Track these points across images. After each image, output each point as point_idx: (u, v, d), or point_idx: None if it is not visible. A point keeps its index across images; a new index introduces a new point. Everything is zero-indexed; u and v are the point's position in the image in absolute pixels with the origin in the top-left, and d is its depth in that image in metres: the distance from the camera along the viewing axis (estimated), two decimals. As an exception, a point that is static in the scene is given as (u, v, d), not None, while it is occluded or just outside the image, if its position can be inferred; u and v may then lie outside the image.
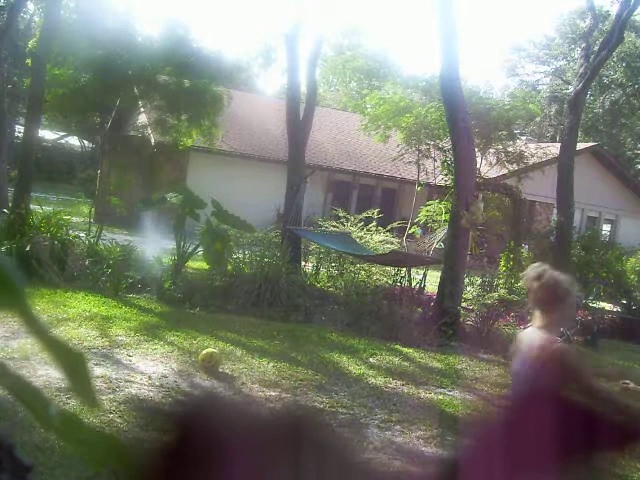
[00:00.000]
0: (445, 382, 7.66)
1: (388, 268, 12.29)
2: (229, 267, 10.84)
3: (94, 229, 13.35)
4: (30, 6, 28.50)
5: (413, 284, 12.60)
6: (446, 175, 15.21)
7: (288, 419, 0.81)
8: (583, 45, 16.38)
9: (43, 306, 8.30)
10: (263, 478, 0.76)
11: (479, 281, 12.51)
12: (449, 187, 14.02)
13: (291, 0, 14.27)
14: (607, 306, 13.66)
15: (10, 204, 12.47)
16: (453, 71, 10.66)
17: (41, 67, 12.26)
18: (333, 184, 24.07)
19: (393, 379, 7.44)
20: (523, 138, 22.20)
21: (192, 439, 0.76)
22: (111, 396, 5.57)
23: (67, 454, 4.11)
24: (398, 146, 17.02)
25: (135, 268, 10.57)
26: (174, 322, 8.59)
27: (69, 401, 5.15)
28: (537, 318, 3.30)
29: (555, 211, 15.46)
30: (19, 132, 24.31)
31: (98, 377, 6.04)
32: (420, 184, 17.01)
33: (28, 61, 13.56)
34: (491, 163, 16.57)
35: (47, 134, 33.71)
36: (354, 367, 7.72)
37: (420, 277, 13.05)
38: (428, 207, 14.99)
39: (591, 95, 33.54)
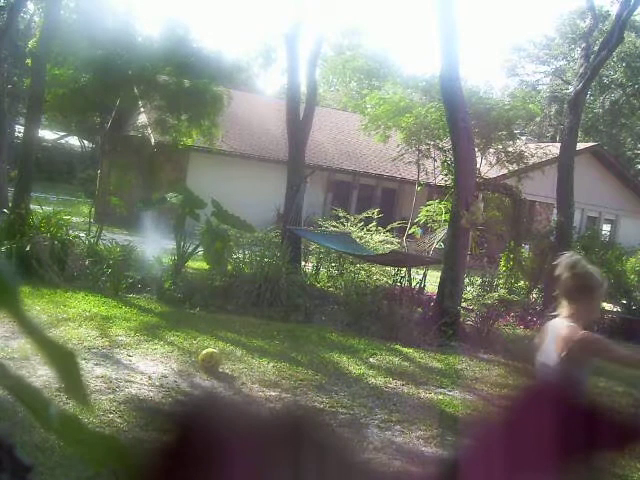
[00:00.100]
0: (445, 382, 7.66)
1: (388, 268, 12.29)
2: (229, 267, 10.84)
3: (94, 229, 13.35)
4: (30, 6, 28.53)
5: (413, 284, 12.60)
6: (446, 175, 15.21)
7: (288, 419, 0.81)
8: (583, 45, 16.37)
9: (43, 306, 8.30)
10: (263, 478, 0.76)
11: (479, 281, 12.51)
12: (449, 187, 14.02)
13: (291, 0, 14.27)
14: (607, 306, 13.65)
15: (10, 204, 12.47)
16: (453, 71, 10.65)
17: (41, 67, 12.26)
18: (333, 184, 24.08)
19: (393, 379, 7.44)
20: (523, 138, 22.18)
21: (192, 439, 0.76)
22: (111, 396, 5.57)
23: (67, 454, 4.11)
24: (398, 146, 17.01)
25: (135, 268, 10.57)
26: (174, 322, 8.59)
27: (69, 401, 5.15)
28: (564, 308, 3.33)
29: (555, 211, 15.45)
30: (19, 132, 24.31)
31: (98, 377, 6.04)
32: (420, 184, 17.00)
33: (28, 61, 13.57)
34: (491, 163, 16.57)
35: (47, 134, 33.72)
36: (354, 367, 7.72)
37: (420, 277, 13.05)
38: (428, 207, 14.98)
39: (591, 95, 33.54)
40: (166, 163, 18.64)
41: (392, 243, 13.16)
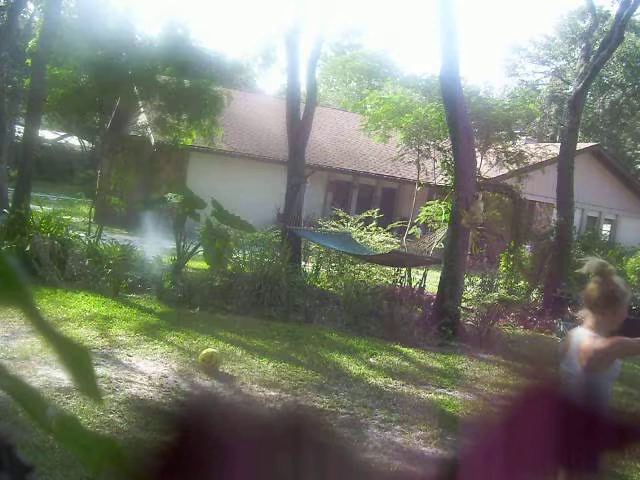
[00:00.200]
0: (445, 382, 7.66)
1: (388, 268, 12.29)
2: (229, 267, 10.84)
3: (94, 229, 13.36)
4: (30, 6, 28.52)
5: (413, 284, 12.60)
6: (446, 175, 15.21)
7: (288, 419, 0.81)
8: (583, 45, 16.37)
9: (43, 306, 8.30)
10: (263, 478, 0.76)
11: (479, 281, 12.51)
12: (449, 187, 14.02)
13: (291, 0, 14.27)
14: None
15: (10, 204, 12.47)
16: (453, 71, 10.65)
17: (41, 67, 12.27)
18: (333, 184, 24.08)
19: (393, 379, 7.44)
20: (523, 138, 22.17)
21: (192, 439, 0.76)
22: (111, 396, 5.57)
23: (67, 454, 4.11)
24: (398, 146, 17.01)
25: (135, 268, 10.57)
26: (174, 322, 8.58)
27: (69, 401, 5.16)
28: (588, 318, 3.31)
29: (555, 211, 15.45)
30: (19, 132, 24.29)
31: (98, 377, 6.04)
32: (420, 184, 17.01)
33: (28, 61, 13.56)
34: (491, 163, 16.57)
35: (47, 134, 33.72)
36: (354, 367, 7.72)
37: (420, 277, 13.05)
38: (428, 207, 14.98)
39: (591, 95, 33.54)
40: (166, 163, 18.66)
41: (392, 243, 13.15)
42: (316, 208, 21.07)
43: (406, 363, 8.32)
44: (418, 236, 15.36)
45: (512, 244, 15.59)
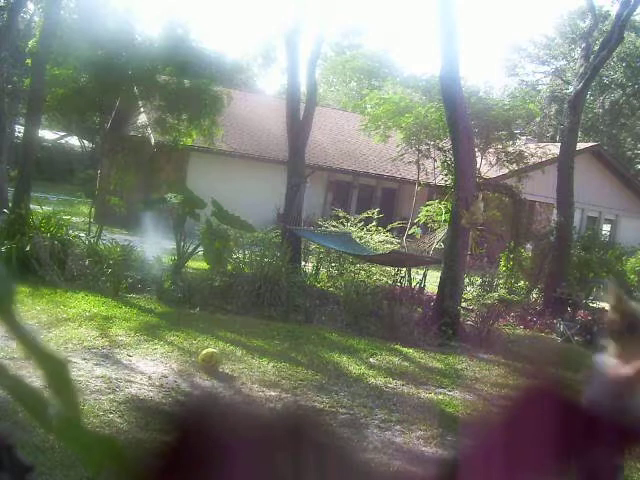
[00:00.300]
0: (445, 382, 7.66)
1: (388, 268, 12.29)
2: (229, 267, 10.84)
3: (94, 229, 13.35)
4: (30, 6, 28.52)
5: (413, 284, 12.60)
6: (446, 175, 15.21)
7: (288, 419, 0.81)
8: (583, 45, 16.37)
9: (43, 306, 8.30)
10: (263, 478, 0.76)
11: (479, 281, 12.52)
12: (449, 187, 14.02)
13: (291, 0, 14.27)
14: (607, 306, 13.64)
15: (10, 204, 12.47)
16: (453, 71, 10.65)
17: (41, 67, 12.26)
18: (333, 184, 24.08)
19: (393, 379, 7.44)
20: (523, 138, 22.17)
21: (192, 439, 0.76)
22: (111, 396, 5.57)
23: (67, 454, 4.11)
24: (398, 146, 17.01)
25: (135, 268, 10.57)
26: (174, 322, 8.58)
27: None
28: (611, 346, 3.36)
29: (555, 211, 15.44)
30: (19, 132, 24.28)
31: (98, 377, 6.04)
32: (420, 184, 17.00)
33: (28, 61, 13.57)
34: (491, 163, 16.57)
35: (47, 134, 33.70)
36: (354, 367, 7.72)
37: (420, 277, 13.05)
38: (428, 207, 14.98)
39: (591, 95, 33.53)
40: (166, 163, 18.67)
41: (392, 243, 13.16)
42: (316, 208, 21.06)
43: (406, 363, 8.32)
44: (418, 236, 15.36)
45: (512, 244, 15.60)
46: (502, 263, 14.55)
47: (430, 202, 15.34)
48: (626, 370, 3.26)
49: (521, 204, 18.88)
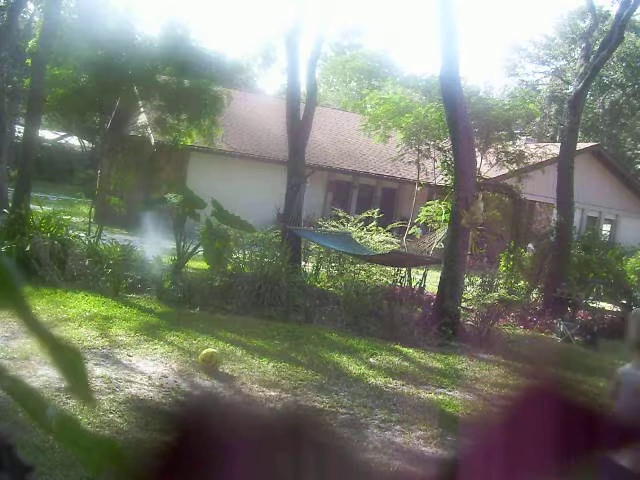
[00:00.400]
0: (445, 382, 7.66)
1: (388, 268, 12.29)
2: (229, 267, 10.84)
3: (94, 229, 13.36)
4: (30, 6, 28.52)
5: (413, 284, 12.61)
6: (446, 175, 15.21)
7: (288, 419, 0.81)
8: (583, 45, 16.37)
9: (43, 306, 8.30)
10: (263, 478, 0.76)
11: (479, 281, 12.53)
12: (449, 187, 14.02)
13: (291, 0, 14.27)
14: (607, 306, 13.66)
15: (10, 204, 12.47)
16: (453, 71, 10.66)
17: (41, 67, 12.27)
18: (333, 184, 24.08)
19: (393, 379, 7.44)
20: (523, 138, 22.17)
21: (192, 439, 0.76)
22: (111, 396, 5.57)
23: (67, 454, 4.11)
24: (398, 146, 17.01)
25: (135, 268, 10.57)
26: (174, 322, 8.58)
27: (68, 401, 5.15)
28: (636, 358, 3.50)
29: (555, 211, 15.45)
30: (19, 132, 24.28)
31: (98, 377, 6.04)
32: (420, 184, 17.00)
33: (28, 61, 13.57)
34: (491, 163, 16.57)
35: (47, 134, 33.70)
36: (354, 367, 7.72)
37: (420, 277, 13.05)
38: (428, 207, 14.98)
39: (591, 95, 33.53)
40: (166, 163, 18.66)
41: (392, 243, 13.16)
42: (316, 208, 21.06)
43: (406, 363, 8.32)
44: (418, 236, 15.37)
45: (512, 244, 15.60)
46: (502, 263, 14.56)
47: (430, 202, 15.35)
48: None
49: (521, 204, 18.89)
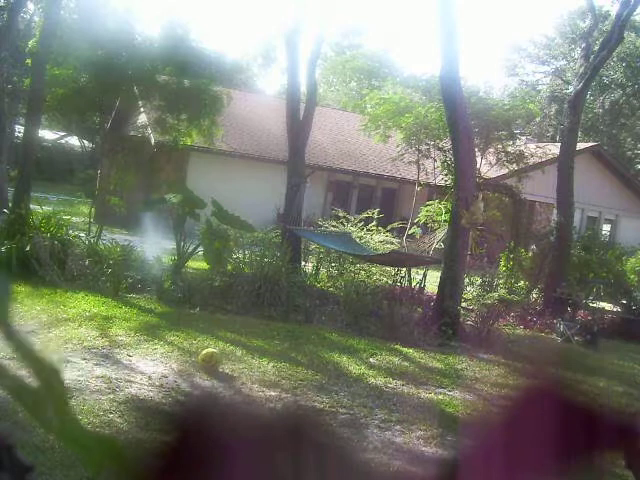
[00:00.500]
0: (445, 382, 7.66)
1: (388, 268, 12.29)
2: (229, 267, 10.84)
3: (94, 229, 13.36)
4: (30, 6, 28.52)
5: (413, 284, 12.61)
6: (446, 175, 15.21)
7: (288, 419, 0.81)
8: (583, 45, 16.37)
9: (43, 306, 8.30)
10: (263, 479, 0.76)
11: (479, 281, 12.52)
12: (449, 187, 14.02)
13: (291, 0, 14.27)
14: (607, 306, 13.66)
15: (10, 204, 12.47)
16: (453, 71, 10.65)
17: (41, 67, 12.26)
18: (333, 184, 24.08)
19: (393, 379, 7.44)
20: (523, 138, 22.17)
21: (192, 439, 0.76)
22: (111, 396, 5.57)
23: (67, 454, 4.11)
24: (398, 146, 17.01)
25: (135, 268, 10.57)
26: (174, 322, 8.58)
27: (68, 401, 5.15)
28: None
29: (555, 211, 15.45)
30: (19, 132, 24.28)
31: (98, 377, 6.04)
32: (420, 184, 17.00)
33: (28, 61, 13.57)
34: (491, 163, 16.57)
35: (47, 134, 33.71)
36: (354, 367, 7.72)
37: (420, 277, 13.05)
38: (428, 207, 14.98)
39: (591, 95, 33.53)
40: (166, 163, 18.66)
41: (392, 243, 13.16)
42: (316, 208, 21.06)
43: (406, 363, 8.32)
44: (418, 236, 15.36)
45: (512, 244, 15.60)
46: (502, 263, 14.55)
47: (430, 202, 15.34)
48: None
49: (521, 204, 18.90)
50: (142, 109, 16.98)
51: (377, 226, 13.50)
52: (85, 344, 7.04)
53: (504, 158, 16.43)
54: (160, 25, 16.67)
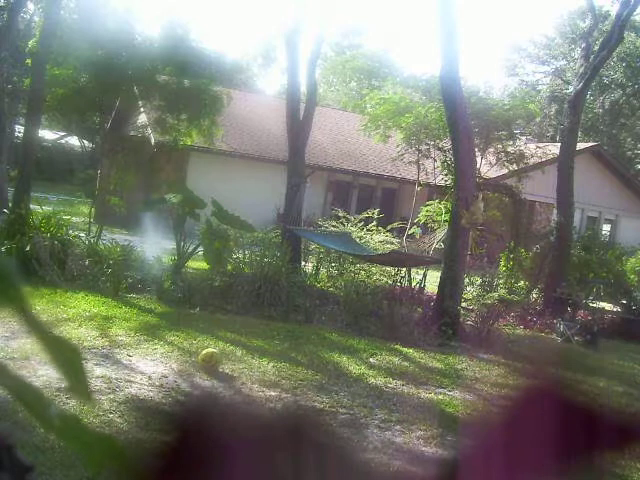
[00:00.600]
0: (445, 382, 7.66)
1: (388, 268, 12.29)
2: (229, 267, 10.84)
3: (94, 229, 13.36)
4: (30, 6, 28.54)
5: (413, 284, 12.61)
6: (446, 175, 15.21)
7: (288, 419, 0.81)
8: (583, 45, 16.37)
9: (43, 306, 8.30)
10: (263, 479, 0.76)
11: (479, 281, 12.52)
12: (449, 187, 14.02)
13: (291, 0, 14.27)
14: (607, 306, 13.66)
15: (10, 204, 12.47)
16: (453, 71, 10.65)
17: (41, 67, 12.27)
18: (333, 184, 24.08)
19: (393, 379, 7.44)
20: (523, 138, 22.17)
21: (192, 439, 0.76)
22: (111, 396, 5.57)
23: (67, 454, 4.11)
24: (398, 146, 17.01)
25: (135, 268, 10.57)
26: (174, 322, 8.59)
27: (69, 401, 5.15)
28: None
29: (555, 211, 15.45)
30: (19, 132, 24.29)
31: (98, 377, 6.04)
32: (420, 184, 17.00)
33: (28, 61, 13.57)
34: (491, 163, 16.57)
35: (47, 134, 33.72)
36: (354, 367, 7.72)
37: (420, 277, 13.05)
38: (428, 207, 14.98)
39: (591, 95, 33.54)
40: (166, 163, 18.67)
41: (392, 243, 13.16)
42: (316, 208, 21.07)
43: (406, 363, 8.32)
44: (418, 236, 15.36)
45: (512, 244, 15.60)
46: (502, 263, 14.55)
47: (430, 202, 15.34)
48: None
49: (521, 204, 18.90)
50: (142, 109, 16.98)
51: (377, 226, 13.50)
52: (85, 344, 7.04)
53: (504, 158, 16.43)
54: (160, 25, 16.69)
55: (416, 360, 8.57)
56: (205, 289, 10.19)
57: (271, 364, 7.25)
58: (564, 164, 14.19)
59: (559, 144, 15.44)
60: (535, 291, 14.12)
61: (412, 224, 15.76)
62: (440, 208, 14.31)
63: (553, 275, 13.62)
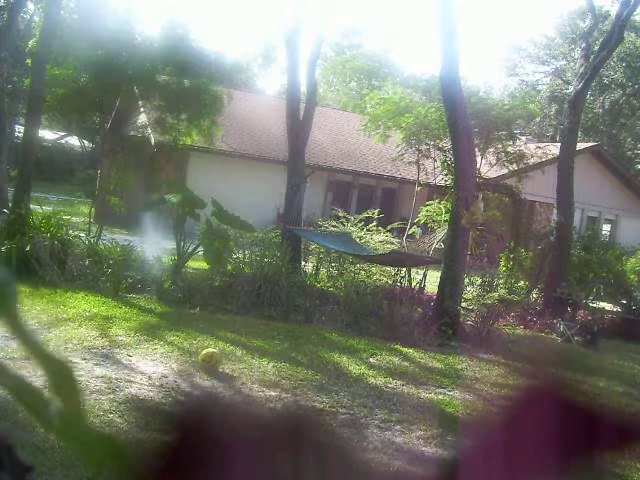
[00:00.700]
0: (445, 382, 7.66)
1: (388, 268, 12.29)
2: (229, 267, 10.84)
3: (94, 229, 13.36)
4: (30, 6, 28.53)
5: (413, 284, 12.61)
6: (446, 175, 15.21)
7: (288, 419, 0.81)
8: (583, 45, 16.37)
9: (43, 306, 8.30)
10: (263, 479, 0.76)
11: (479, 281, 12.52)
12: (449, 187, 14.01)
13: (291, 0, 14.27)
14: (607, 306, 13.66)
15: (10, 204, 12.47)
16: (453, 71, 10.65)
17: (41, 67, 12.27)
18: (333, 184, 24.08)
19: (393, 379, 7.44)
20: (523, 138, 22.16)
21: (192, 439, 0.76)
22: (111, 396, 5.57)
23: (67, 454, 4.11)
24: (398, 146, 17.00)
25: (135, 268, 10.57)
26: (174, 322, 8.58)
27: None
28: None
29: (555, 211, 15.45)
30: (19, 132, 24.29)
31: (98, 377, 6.04)
32: (420, 184, 17.00)
33: (28, 61, 13.57)
34: (491, 163, 16.57)
35: (47, 134, 33.72)
36: (354, 367, 7.72)
37: (420, 277, 13.05)
38: (428, 207, 14.98)
39: (591, 95, 33.55)
40: (166, 163, 18.66)
41: (392, 243, 13.16)
42: (316, 208, 21.07)
43: (406, 363, 8.32)
44: (418, 236, 15.36)
45: (512, 244, 15.60)
46: (502, 263, 14.55)
47: (430, 202, 15.34)
48: None
49: (521, 204, 18.90)
50: (142, 109, 16.98)
51: (377, 226, 13.49)
52: (85, 344, 7.04)
53: (504, 158, 16.43)
54: (160, 25, 16.67)
55: (416, 360, 8.57)
56: (205, 289, 10.19)
57: (271, 364, 7.25)
58: (564, 164, 14.19)
59: (559, 144, 15.43)
60: (535, 291, 14.12)
61: (412, 224, 15.76)
62: (440, 208, 14.31)
63: (553, 275, 13.62)
